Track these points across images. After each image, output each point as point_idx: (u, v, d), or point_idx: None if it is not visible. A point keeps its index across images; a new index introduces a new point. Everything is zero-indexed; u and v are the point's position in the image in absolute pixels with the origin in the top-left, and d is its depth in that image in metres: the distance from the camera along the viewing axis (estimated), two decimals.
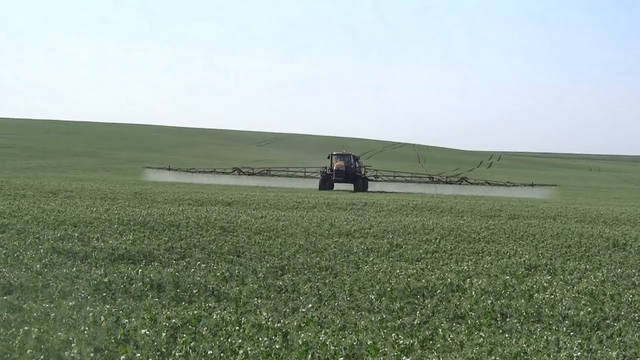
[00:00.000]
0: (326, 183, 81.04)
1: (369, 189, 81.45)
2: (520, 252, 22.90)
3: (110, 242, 20.64)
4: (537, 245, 25.36)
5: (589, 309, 14.43)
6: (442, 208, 42.90)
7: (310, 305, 14.25)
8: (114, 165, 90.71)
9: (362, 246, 22.93)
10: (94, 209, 30.56)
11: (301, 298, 14.99)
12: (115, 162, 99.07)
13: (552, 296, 15.63)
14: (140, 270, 16.57)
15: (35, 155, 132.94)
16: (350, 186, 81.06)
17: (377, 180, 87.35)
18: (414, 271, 18.39)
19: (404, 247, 23.24)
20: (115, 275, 15.98)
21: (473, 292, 15.87)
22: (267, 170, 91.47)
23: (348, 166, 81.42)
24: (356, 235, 26.09)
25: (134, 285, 15.12)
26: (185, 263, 18.42)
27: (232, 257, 19.85)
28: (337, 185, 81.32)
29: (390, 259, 20.95)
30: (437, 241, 25.06)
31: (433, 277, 17.57)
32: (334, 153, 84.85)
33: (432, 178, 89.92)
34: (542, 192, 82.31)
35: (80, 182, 63.34)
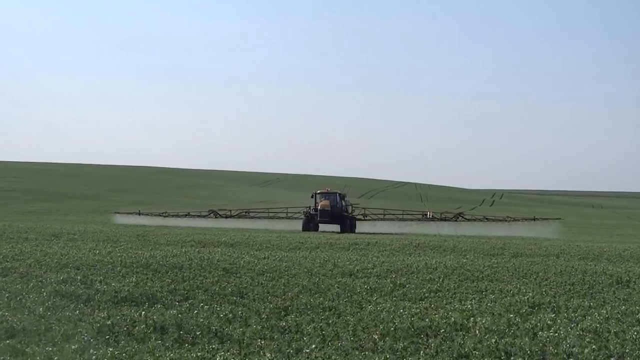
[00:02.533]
0: (310, 224, 75.99)
1: (357, 230, 76.33)
2: (524, 290, 22.83)
3: (113, 284, 20.62)
4: (540, 283, 25.29)
5: (594, 347, 14.38)
6: (445, 247, 42.82)
7: (313, 346, 14.21)
8: (116, 208, 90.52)
9: (366, 286, 22.88)
10: (97, 252, 30.53)
11: (305, 339, 14.95)
12: (117, 205, 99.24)
13: (557, 334, 15.57)
14: (143, 313, 16.54)
15: (38, 198, 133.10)
16: (336, 227, 75.94)
17: (366, 220, 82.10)
18: (418, 310, 18.35)
19: (407, 286, 23.19)
20: (118, 317, 15.95)
21: (477, 331, 15.82)
22: (245, 212, 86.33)
23: (334, 205, 76.37)
24: (359, 275, 26.04)
25: (137, 328, 15.09)
26: (188, 305, 18.39)
27: (235, 298, 19.82)
28: (322, 227, 76.23)
29: (394, 298, 20.91)
30: (441, 280, 25.00)
31: (437, 316, 17.52)
32: (318, 191, 79.54)
33: (426, 215, 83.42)
34: (545, 228, 77.78)
35: (82, 224, 63.32)
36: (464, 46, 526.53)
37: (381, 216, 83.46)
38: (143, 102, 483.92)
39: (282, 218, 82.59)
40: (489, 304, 19.81)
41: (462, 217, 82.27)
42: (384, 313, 17.92)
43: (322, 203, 75.93)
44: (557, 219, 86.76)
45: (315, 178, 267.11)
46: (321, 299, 20.04)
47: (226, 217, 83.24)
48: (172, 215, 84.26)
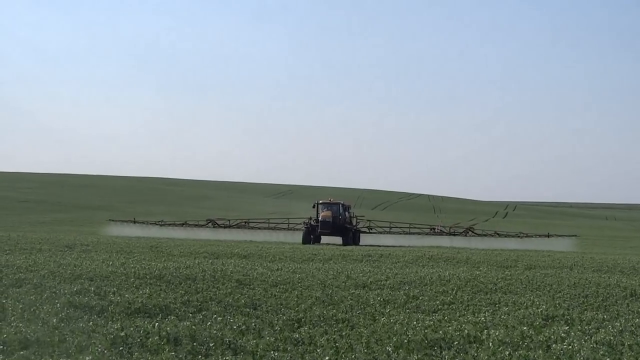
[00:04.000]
0: (310, 236, 72.39)
1: (360, 242, 73.29)
2: (538, 303, 22.80)
3: (126, 296, 20.66)
4: (554, 295, 25.25)
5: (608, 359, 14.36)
6: (458, 259, 42.79)
7: (327, 358, 14.22)
8: (129, 219, 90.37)
9: (379, 298, 22.87)
10: (110, 263, 30.61)
11: (318, 351, 14.96)
12: (130, 216, 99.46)
13: (570, 347, 15.55)
14: (156, 324, 16.58)
15: (51, 209, 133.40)
16: (339, 239, 72.55)
17: (371, 232, 78.85)
18: (431, 322, 18.34)
19: (420, 298, 23.17)
20: (131, 329, 15.99)
21: (490, 343, 15.81)
22: (245, 222, 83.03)
23: (336, 216, 72.93)
24: (372, 287, 26.03)
25: (150, 339, 15.13)
26: (201, 316, 18.41)
27: (248, 309, 19.85)
28: (324, 239, 72.78)
29: (407, 310, 20.90)
30: (454, 292, 24.98)
31: (450, 328, 17.51)
32: (320, 201, 75.97)
33: (434, 229, 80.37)
34: (559, 243, 74.29)
35: (95, 235, 63.46)
36: (475, 54, 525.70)
37: (387, 229, 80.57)
38: (156, 114, 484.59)
39: (283, 229, 79.89)
40: (502, 317, 19.79)
41: (473, 232, 79.48)
42: (397, 325, 17.92)
43: (324, 214, 73.06)
44: (572, 235, 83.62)
45: (329, 190, 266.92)
46: (334, 310, 20.05)
47: (224, 227, 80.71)
48: (169, 224, 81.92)
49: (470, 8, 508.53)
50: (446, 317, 19.53)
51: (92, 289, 21.66)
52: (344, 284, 26.51)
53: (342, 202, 76.06)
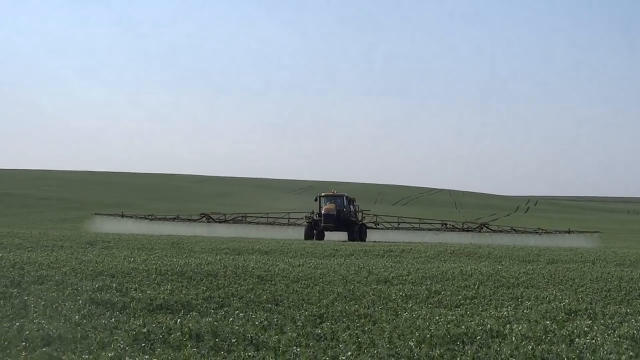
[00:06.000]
0: (313, 231, 69.64)
1: (367, 239, 70.04)
2: (560, 297, 22.71)
3: (148, 292, 20.68)
4: (576, 289, 25.14)
5: (631, 354, 14.29)
6: (480, 254, 42.68)
7: (349, 353, 14.19)
8: (165, 214, 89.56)
9: (401, 293, 22.83)
10: (132, 259, 30.64)
11: (340, 346, 14.93)
12: (151, 213, 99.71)
13: (593, 341, 15.47)
14: (178, 320, 16.59)
15: (72, 206, 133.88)
16: (343, 235, 69.47)
17: (378, 228, 75.83)
18: (453, 317, 18.29)
19: (442, 293, 23.12)
20: (153, 325, 16.01)
21: (513, 338, 15.75)
22: (242, 217, 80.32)
23: (340, 210, 69.80)
24: (394, 282, 25.99)
25: (172, 336, 15.14)
26: (223, 312, 18.41)
27: (270, 305, 19.84)
28: (328, 235, 69.65)
29: (429, 305, 20.86)
30: (476, 287, 24.91)
31: (473, 323, 17.46)
32: (323, 194, 72.93)
33: (445, 225, 76.95)
34: (580, 240, 71.02)
35: (117, 232, 63.62)
36: (492, 47, 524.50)
37: (395, 224, 77.86)
38: (178, 111, 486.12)
39: (283, 224, 77.59)
40: (525, 311, 19.73)
41: (487, 228, 76.82)
42: (419, 320, 17.88)
43: (327, 207, 69.73)
44: (594, 232, 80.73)
45: (350, 185, 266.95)
46: (356, 306, 20.01)
47: (220, 222, 78.61)
48: (159, 219, 79.58)
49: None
50: (468, 312, 19.48)
51: (114, 285, 21.68)
52: (365, 279, 26.49)
53: (346, 195, 73.24)
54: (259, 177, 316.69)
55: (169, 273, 25.51)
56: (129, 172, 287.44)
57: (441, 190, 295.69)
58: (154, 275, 24.70)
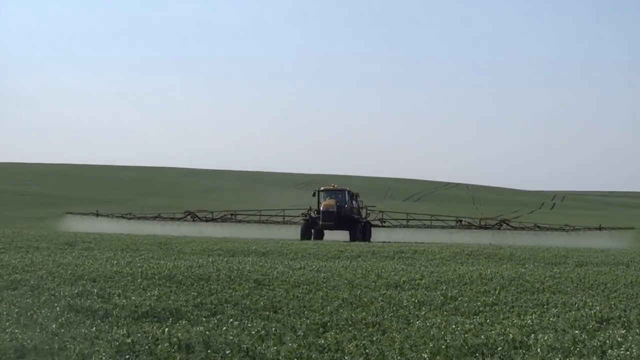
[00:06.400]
0: (311, 230, 68.72)
1: (372, 238, 69.81)
2: (591, 304, 22.65)
3: (133, 298, 20.67)
4: (609, 295, 25.09)
5: None
6: (501, 255, 42.67)
7: None
8: (145, 213, 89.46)
9: (413, 299, 22.80)
10: (115, 262, 30.66)
11: (346, 358, 14.91)
12: (138, 210, 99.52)
13: (628, 352, 15.43)
14: (166, 330, 16.56)
15: (50, 202, 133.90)
16: (345, 234, 68.62)
17: (384, 226, 75.23)
18: (472, 326, 18.25)
19: (459, 299, 23.09)
20: (138, 335, 15.99)
21: (538, 349, 15.71)
22: (231, 215, 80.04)
23: (341, 206, 68.97)
24: (406, 287, 25.96)
25: (159, 347, 15.11)
26: (216, 321, 18.39)
27: (268, 313, 19.81)
28: (327, 234, 69.18)
29: (445, 312, 20.82)
30: (497, 292, 24.88)
31: (493, 332, 17.42)
32: (322, 188, 72.20)
33: (460, 222, 76.02)
34: (612, 238, 69.87)
35: (99, 232, 63.63)
36: (513, 41, 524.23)
37: (404, 222, 77.02)
38: (165, 99, 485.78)
39: (278, 222, 77.25)
40: (551, 319, 19.68)
41: (508, 225, 75.68)
42: (433, 329, 17.84)
43: (326, 203, 68.91)
44: (628, 228, 79.86)
45: (355, 179, 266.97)
46: (364, 313, 19.99)
47: (207, 221, 78.58)
48: (139, 218, 79.73)
49: None
50: (488, 320, 19.44)
51: (95, 291, 21.68)
52: (374, 283, 26.46)
53: (348, 189, 72.25)
54: (254, 170, 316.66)
55: (156, 277, 25.51)
56: (112, 165, 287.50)
57: (457, 184, 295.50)
58: (139, 280, 24.70)
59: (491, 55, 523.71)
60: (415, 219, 77.76)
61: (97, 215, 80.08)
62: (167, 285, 23.96)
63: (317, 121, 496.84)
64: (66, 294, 20.95)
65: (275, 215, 79.33)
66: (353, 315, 19.64)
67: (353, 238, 67.09)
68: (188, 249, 41.71)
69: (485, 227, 74.33)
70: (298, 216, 74.39)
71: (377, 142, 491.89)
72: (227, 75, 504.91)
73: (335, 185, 73.98)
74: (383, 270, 31.30)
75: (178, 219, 79.39)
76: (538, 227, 76.11)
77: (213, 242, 48.61)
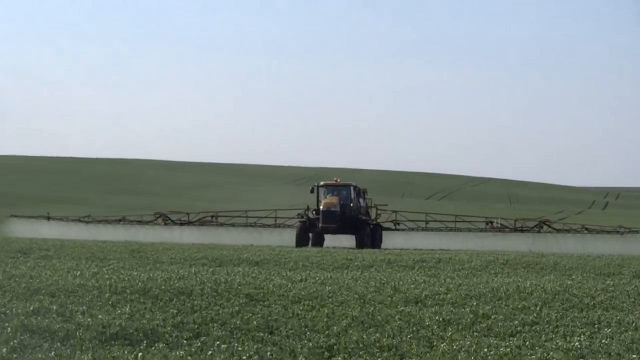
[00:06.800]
0: (308, 234, 68.09)
1: (383, 245, 69.00)
2: None
3: (100, 317, 20.64)
4: None
5: None
6: (543, 264, 42.66)
7: None
8: (107, 215, 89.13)
9: (437, 317, 22.78)
10: (78, 273, 30.69)
11: None
12: (107, 211, 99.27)
13: None
14: (140, 354, 16.56)
15: (4, 202, 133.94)
16: (350, 239, 67.56)
17: (398, 229, 74.24)
18: (507, 350, 18.23)
19: (492, 317, 23.07)
20: None
21: None
22: (212, 217, 79.47)
23: (345, 204, 67.69)
24: (428, 303, 25.94)
25: None
26: (199, 344, 18.37)
27: (262, 334, 19.78)
28: (329, 239, 68.53)
29: (475, 333, 20.80)
30: (538, 309, 24.86)
31: (534, 357, 17.41)
32: (322, 183, 71.55)
33: (491, 223, 74.74)
34: None
35: (59, 237, 63.64)
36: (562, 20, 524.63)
37: (422, 224, 75.44)
38: (136, 77, 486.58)
39: (269, 226, 76.22)
40: (603, 341, 19.65)
41: (549, 227, 74.53)
42: (461, 353, 17.83)
43: (327, 201, 67.59)
44: None
45: (367, 173, 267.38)
46: (377, 334, 19.96)
47: (181, 224, 78.18)
48: (99, 221, 79.62)
49: None
50: (527, 343, 19.41)
51: (54, 307, 21.68)
52: (390, 298, 26.45)
53: (353, 184, 71.45)
54: (247, 162, 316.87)
55: (128, 291, 25.52)
56: (74, 157, 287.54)
57: (489, 179, 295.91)
58: (107, 294, 24.71)
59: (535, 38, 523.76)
60: (435, 220, 76.34)
61: (49, 218, 79.94)
62: (141, 300, 23.96)
63: (317, 102, 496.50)
64: (19, 311, 20.95)
65: (265, 217, 78.57)
66: (365, 336, 19.61)
67: (360, 244, 65.78)
68: (166, 258, 41.75)
69: (522, 230, 72.99)
70: (293, 217, 73.17)
71: (393, 128, 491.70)
72: (210, 47, 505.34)
73: (338, 180, 72.75)
74: (401, 282, 31.31)
75: (147, 222, 79.08)
76: (587, 229, 74.30)
77: (196, 250, 48.66)
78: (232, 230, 75.63)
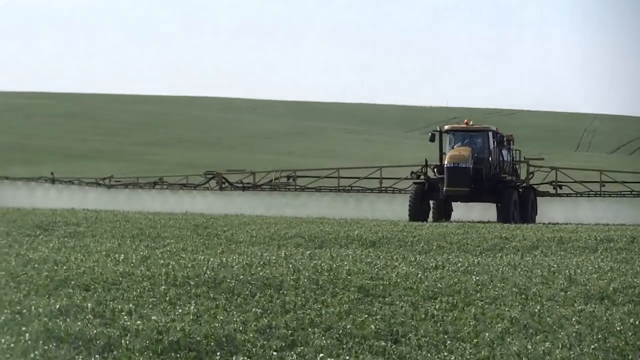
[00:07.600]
0: (427, 202, 67.88)
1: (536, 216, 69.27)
2: None
3: (153, 318, 20.73)
4: None
5: None
6: None
7: None
8: (137, 175, 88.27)
9: (631, 319, 22.62)
10: (121, 257, 30.78)
11: None
12: (157, 170, 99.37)
13: None
14: None
15: (10, 157, 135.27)
16: (489, 208, 68.68)
17: (560, 195, 74.82)
18: None
19: None
20: None
21: None
22: (288, 178, 79.93)
23: (482, 158, 66.99)
24: (618, 300, 25.77)
25: None
26: (295, 356, 18.42)
27: (383, 343, 19.81)
28: (457, 209, 70.21)
29: None
30: None
31: None
32: (447, 128, 70.98)
33: None
34: None
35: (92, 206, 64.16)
36: None
37: (596, 187, 74.92)
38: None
39: (370, 190, 76.87)
40: None
41: None
42: None
43: (455, 153, 66.73)
44: None
45: (522, 116, 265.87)
46: (548, 344, 19.91)
47: (244, 189, 78.90)
48: (110, 185, 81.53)
49: None
50: None
51: (90, 305, 21.75)
52: (563, 293, 26.34)
53: (493, 129, 70.23)
54: (340, 101, 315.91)
55: (192, 283, 25.58)
56: (106, 94, 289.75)
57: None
58: (163, 287, 24.80)
59: None
60: (616, 181, 75.48)
61: (53, 181, 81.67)
62: (211, 296, 24.05)
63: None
64: (41, 310, 21.07)
65: (365, 178, 78.51)
66: (529, 346, 19.57)
67: (503, 216, 65.28)
68: (244, 236, 41.80)
69: None
70: (406, 178, 72.58)
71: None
72: None
73: (471, 123, 71.03)
74: (579, 271, 31.15)
75: (193, 186, 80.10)
76: None
77: (286, 224, 48.68)
78: (314, 196, 76.12)
